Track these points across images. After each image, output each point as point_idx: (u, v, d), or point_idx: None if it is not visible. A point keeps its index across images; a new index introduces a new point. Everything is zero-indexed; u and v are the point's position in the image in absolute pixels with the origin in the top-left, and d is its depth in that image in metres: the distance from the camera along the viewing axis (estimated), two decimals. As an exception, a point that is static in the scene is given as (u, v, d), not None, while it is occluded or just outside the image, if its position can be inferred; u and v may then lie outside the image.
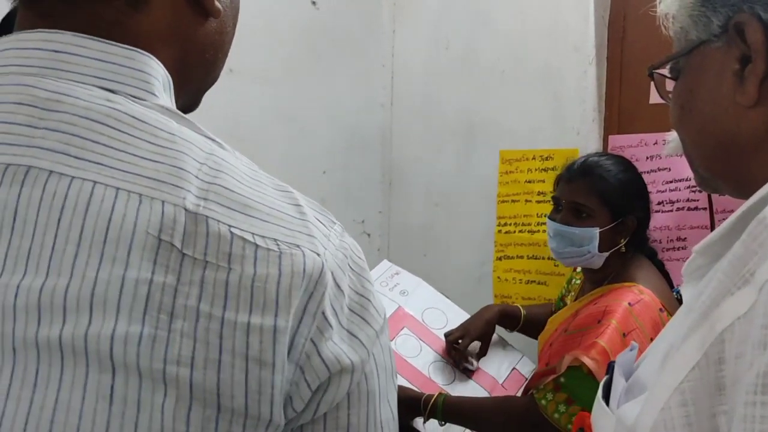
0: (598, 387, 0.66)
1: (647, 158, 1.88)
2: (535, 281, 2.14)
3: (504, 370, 1.69)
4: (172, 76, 0.54)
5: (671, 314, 1.37)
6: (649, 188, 1.58)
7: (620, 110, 2.03)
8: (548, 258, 2.08)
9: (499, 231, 2.23)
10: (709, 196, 1.77)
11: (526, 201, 2.16)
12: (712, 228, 1.78)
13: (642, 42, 1.95)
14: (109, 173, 0.45)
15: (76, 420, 0.42)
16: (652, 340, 1.28)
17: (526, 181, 2.15)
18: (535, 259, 2.14)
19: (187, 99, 0.59)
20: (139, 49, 0.51)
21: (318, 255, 0.48)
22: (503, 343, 1.77)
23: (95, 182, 0.45)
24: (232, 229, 0.46)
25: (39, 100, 0.47)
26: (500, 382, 1.66)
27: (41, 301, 0.42)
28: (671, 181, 1.85)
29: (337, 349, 0.48)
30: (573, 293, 1.67)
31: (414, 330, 1.66)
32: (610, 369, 0.65)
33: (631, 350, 0.67)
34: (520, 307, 1.78)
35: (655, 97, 1.89)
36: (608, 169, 1.49)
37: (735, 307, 0.47)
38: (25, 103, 0.47)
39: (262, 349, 0.45)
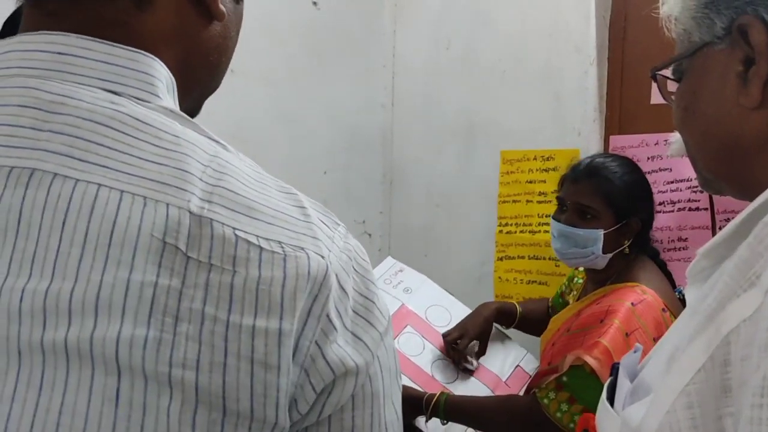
0: (600, 386, 0.66)
1: (648, 159, 1.88)
2: (536, 281, 2.14)
3: (507, 367, 1.69)
4: (175, 78, 0.54)
5: (674, 314, 1.37)
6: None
7: (621, 110, 2.03)
8: (549, 258, 2.08)
9: (500, 231, 2.23)
10: (710, 197, 1.77)
11: (527, 201, 2.16)
12: (713, 228, 1.78)
13: (643, 42, 1.95)
14: (113, 176, 0.45)
15: (82, 423, 0.42)
16: (655, 340, 1.29)
17: (527, 182, 2.15)
18: (536, 259, 2.14)
19: (190, 104, 0.59)
20: (142, 51, 0.51)
21: (322, 257, 0.48)
22: (503, 338, 1.77)
23: (100, 185, 0.45)
24: (237, 232, 0.46)
25: (43, 103, 0.47)
26: (503, 379, 1.66)
27: (47, 305, 0.42)
28: (672, 182, 1.85)
29: (342, 351, 0.48)
30: (575, 292, 1.67)
31: (417, 328, 1.66)
32: (614, 370, 0.65)
33: (635, 352, 0.67)
34: (516, 304, 1.78)
35: (656, 98, 1.89)
36: (614, 170, 1.49)
37: (741, 309, 0.47)
38: (29, 105, 0.47)
39: (268, 352, 0.45)
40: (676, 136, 0.69)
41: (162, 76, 0.52)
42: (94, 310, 0.42)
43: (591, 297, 1.51)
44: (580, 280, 1.68)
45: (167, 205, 0.45)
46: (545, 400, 1.37)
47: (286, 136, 2.23)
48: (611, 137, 2.01)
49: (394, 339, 1.57)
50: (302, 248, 0.48)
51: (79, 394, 0.42)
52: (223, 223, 0.46)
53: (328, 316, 0.48)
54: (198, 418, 0.43)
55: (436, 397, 1.47)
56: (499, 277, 2.23)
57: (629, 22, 2.00)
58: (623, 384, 0.63)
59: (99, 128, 0.47)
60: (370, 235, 2.57)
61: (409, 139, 2.54)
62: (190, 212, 0.45)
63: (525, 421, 1.42)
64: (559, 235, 1.52)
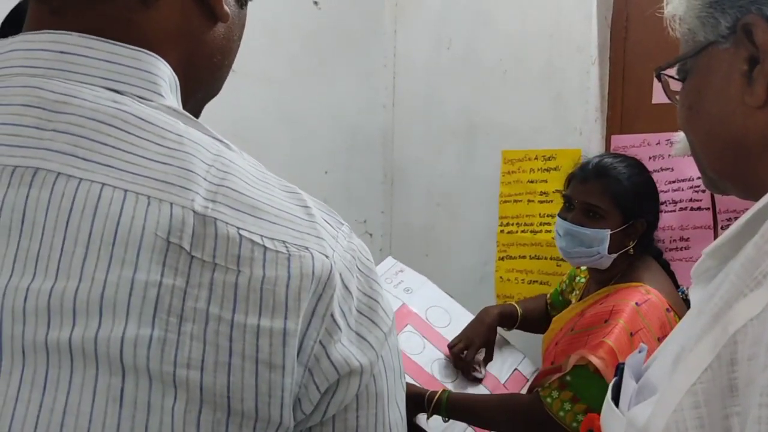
0: (604, 386, 0.66)
1: (650, 158, 1.88)
2: (537, 281, 2.14)
3: (506, 370, 1.70)
4: (179, 79, 0.54)
5: (678, 314, 1.38)
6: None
7: (623, 110, 2.03)
8: (551, 258, 2.08)
9: (502, 231, 2.23)
10: (712, 197, 1.77)
11: (529, 201, 2.16)
12: (715, 228, 1.78)
13: (645, 42, 1.95)
14: (117, 175, 0.45)
15: (86, 423, 0.42)
16: (659, 340, 1.29)
17: (528, 181, 2.15)
18: (538, 259, 2.13)
19: (193, 105, 0.59)
20: (146, 50, 0.51)
21: (326, 257, 0.48)
22: (502, 342, 1.77)
23: (103, 184, 0.45)
24: (241, 231, 0.46)
25: (46, 102, 0.47)
26: (502, 382, 1.66)
27: (51, 304, 0.42)
28: (674, 181, 1.85)
29: (346, 351, 0.48)
30: (577, 292, 1.67)
31: (418, 328, 1.66)
32: (619, 371, 0.65)
33: (639, 352, 0.67)
34: (516, 305, 1.78)
35: (657, 97, 1.89)
36: (623, 171, 1.49)
37: (748, 308, 0.47)
38: (32, 105, 0.47)
39: (272, 352, 0.45)
40: (680, 136, 0.69)
41: (165, 75, 0.52)
42: (99, 310, 0.42)
43: (594, 297, 1.51)
44: (582, 280, 1.68)
45: (171, 204, 0.45)
46: (548, 399, 1.37)
47: (287, 136, 2.23)
48: (613, 137, 2.00)
49: None
50: (306, 248, 0.47)
51: (83, 394, 0.42)
52: (227, 223, 0.46)
53: (332, 315, 0.48)
54: (202, 418, 0.43)
55: (438, 395, 1.47)
56: (501, 277, 2.23)
57: (630, 21, 2.00)
58: (628, 384, 0.63)
59: (102, 127, 0.47)
60: (371, 234, 2.57)
61: (410, 139, 2.54)
62: (194, 211, 0.45)
63: (527, 419, 1.42)
64: (565, 234, 1.51)
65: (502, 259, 2.23)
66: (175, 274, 0.43)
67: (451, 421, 1.51)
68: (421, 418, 1.51)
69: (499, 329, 1.76)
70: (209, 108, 0.64)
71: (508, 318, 1.75)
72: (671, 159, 1.84)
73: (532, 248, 2.14)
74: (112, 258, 0.43)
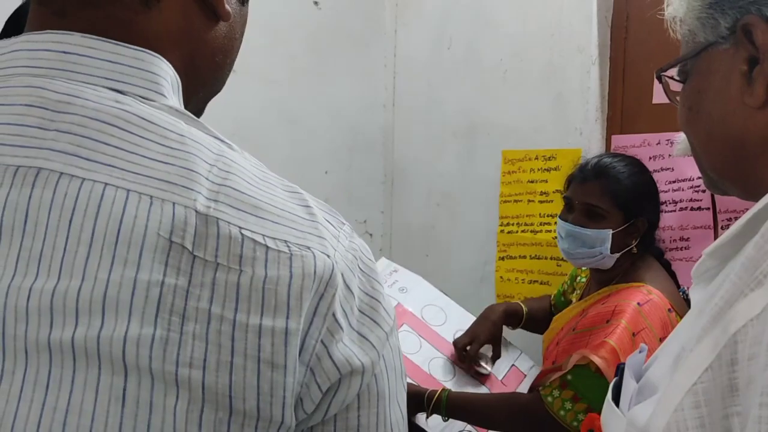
0: (605, 386, 0.66)
1: (650, 158, 1.88)
2: (537, 281, 2.14)
3: (503, 367, 1.70)
4: (180, 78, 0.54)
5: (679, 314, 1.38)
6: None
7: (623, 110, 2.03)
8: (551, 258, 2.08)
9: (502, 231, 2.23)
10: (713, 197, 1.77)
11: (529, 201, 2.16)
12: (715, 228, 1.78)
13: (645, 42, 1.95)
14: (119, 175, 0.45)
15: (89, 422, 0.42)
16: (661, 340, 1.29)
17: (528, 181, 2.15)
18: (538, 259, 2.14)
19: (195, 105, 0.59)
20: (148, 50, 0.51)
21: (328, 256, 0.48)
22: (502, 341, 1.77)
23: (106, 184, 0.45)
24: (243, 231, 0.46)
25: (49, 102, 0.47)
26: (500, 378, 1.66)
27: (53, 304, 0.42)
28: (674, 181, 1.85)
29: (348, 350, 0.48)
30: (578, 291, 1.67)
31: (414, 327, 1.66)
32: (619, 371, 0.65)
33: (640, 352, 0.67)
34: (522, 304, 1.78)
35: (658, 97, 1.89)
36: (622, 170, 1.49)
37: (748, 308, 0.47)
38: (35, 105, 0.47)
39: (274, 352, 0.45)
40: (681, 137, 0.69)
41: (167, 75, 0.52)
42: (101, 310, 0.42)
43: (595, 296, 1.51)
44: (584, 279, 1.68)
45: (173, 204, 0.45)
46: (549, 398, 1.37)
47: (287, 136, 2.23)
48: (613, 137, 2.01)
49: None
50: (308, 247, 0.48)
51: (86, 393, 0.42)
52: (229, 222, 0.46)
53: (334, 315, 0.48)
54: (204, 418, 0.43)
55: (437, 394, 1.47)
56: (501, 277, 2.23)
57: (631, 21, 2.00)
58: (629, 384, 0.63)
59: (105, 127, 0.47)
60: (371, 234, 2.57)
61: (410, 139, 2.54)
62: (197, 211, 0.45)
63: (528, 418, 1.42)
64: (567, 235, 1.51)
65: (502, 259, 2.23)
66: (178, 273, 0.44)
67: (450, 420, 1.51)
68: (421, 418, 1.51)
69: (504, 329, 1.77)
70: (209, 107, 0.65)
71: (513, 316, 1.75)
72: (671, 159, 1.84)
73: (533, 248, 2.14)
74: (114, 257, 0.43)
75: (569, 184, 1.56)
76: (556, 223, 1.59)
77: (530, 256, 2.15)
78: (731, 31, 0.59)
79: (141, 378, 0.42)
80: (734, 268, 0.52)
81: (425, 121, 2.47)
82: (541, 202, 2.13)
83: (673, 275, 1.53)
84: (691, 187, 1.82)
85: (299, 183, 0.54)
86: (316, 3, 2.29)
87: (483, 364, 1.63)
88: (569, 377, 1.35)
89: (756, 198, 0.56)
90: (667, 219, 1.82)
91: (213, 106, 0.65)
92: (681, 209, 1.83)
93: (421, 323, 1.68)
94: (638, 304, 1.36)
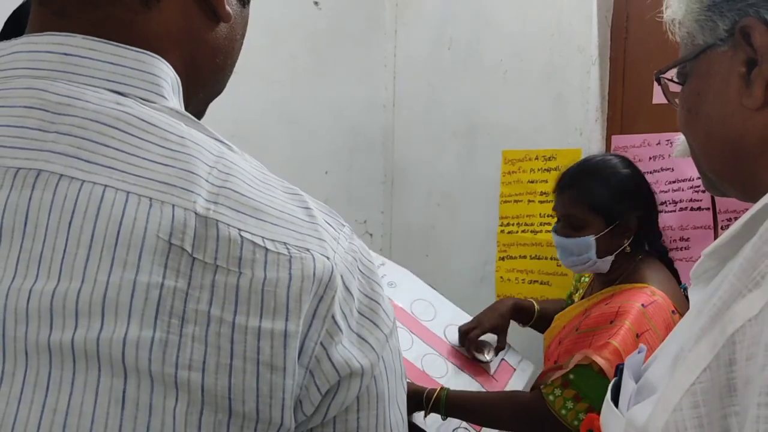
0: (607, 386, 0.67)
1: (650, 158, 1.88)
2: (537, 281, 2.14)
3: (494, 361, 1.70)
4: (181, 80, 0.54)
5: (682, 316, 1.38)
6: (652, 188, 1.58)
7: (623, 110, 2.03)
8: (551, 258, 2.08)
9: (502, 231, 2.23)
10: (713, 197, 1.77)
11: (529, 201, 2.16)
12: (715, 228, 1.78)
13: (645, 42, 1.95)
14: (119, 177, 0.45)
15: (88, 424, 0.42)
16: (664, 341, 1.29)
17: (528, 181, 2.16)
18: (538, 259, 2.14)
19: (196, 106, 0.59)
20: (148, 52, 0.51)
21: (328, 258, 0.48)
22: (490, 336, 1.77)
23: (106, 186, 0.45)
24: (243, 233, 0.46)
25: (49, 104, 0.47)
26: (491, 373, 1.66)
27: (53, 306, 0.43)
28: (674, 181, 1.85)
29: (347, 353, 0.48)
30: (581, 291, 1.68)
31: (404, 322, 1.64)
32: (618, 371, 0.65)
33: (639, 353, 0.68)
34: (534, 302, 1.78)
35: (657, 98, 1.89)
36: (595, 175, 1.50)
37: (746, 309, 0.48)
38: (35, 107, 0.47)
39: (273, 354, 0.45)
40: (680, 138, 0.69)
41: (167, 77, 0.52)
42: (101, 311, 0.43)
43: (598, 296, 1.51)
44: (587, 279, 1.68)
45: (173, 206, 0.45)
46: (551, 397, 1.37)
47: (288, 137, 2.23)
48: (613, 137, 2.01)
49: None
50: (308, 249, 0.48)
51: (86, 395, 0.42)
52: (228, 225, 0.46)
53: (333, 317, 0.48)
54: (204, 420, 0.43)
55: (436, 393, 1.46)
56: (501, 277, 2.23)
57: (631, 21, 2.00)
58: (628, 384, 0.63)
59: (105, 129, 0.47)
60: (371, 234, 2.57)
61: (410, 139, 2.55)
62: (196, 213, 0.45)
63: (529, 416, 1.42)
64: (558, 247, 1.55)
65: (502, 259, 2.23)
66: (177, 275, 0.44)
67: (448, 418, 1.51)
68: (418, 417, 1.50)
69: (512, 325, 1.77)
70: (210, 108, 0.65)
71: (523, 312, 1.75)
72: (671, 159, 1.84)
73: (533, 248, 2.15)
74: (114, 260, 0.43)
75: (554, 197, 1.58)
76: (555, 224, 1.60)
77: (530, 256, 2.16)
78: (730, 34, 0.59)
79: (140, 380, 0.42)
80: (732, 269, 0.52)
81: (425, 121, 2.48)
82: (541, 202, 2.13)
83: (675, 273, 1.53)
84: (691, 188, 1.82)
85: (299, 183, 0.54)
86: (316, 3, 2.30)
87: (484, 351, 1.63)
88: (571, 376, 1.35)
89: (754, 199, 0.56)
90: (667, 219, 1.82)
91: (213, 106, 0.65)
92: (681, 209, 1.83)
93: (412, 319, 1.67)
94: (642, 305, 1.36)
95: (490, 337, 1.68)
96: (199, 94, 0.59)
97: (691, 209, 1.82)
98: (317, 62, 2.31)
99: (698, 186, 1.79)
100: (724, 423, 0.48)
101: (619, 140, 1.98)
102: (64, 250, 0.44)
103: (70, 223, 0.44)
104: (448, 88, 2.39)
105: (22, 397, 0.42)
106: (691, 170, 1.78)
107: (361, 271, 0.51)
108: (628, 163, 1.55)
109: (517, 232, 2.19)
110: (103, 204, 0.44)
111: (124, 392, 0.42)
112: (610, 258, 1.48)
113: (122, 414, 0.42)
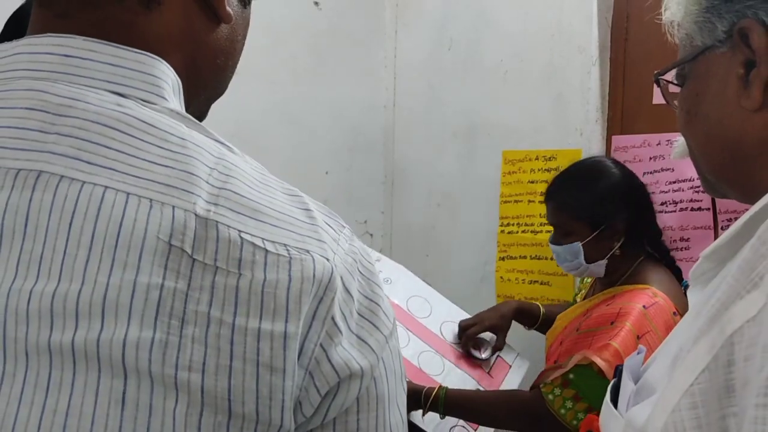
0: (607, 387, 0.67)
1: (650, 159, 1.88)
2: (537, 281, 2.14)
3: (491, 359, 1.70)
4: (182, 81, 0.54)
5: (683, 317, 1.38)
6: (652, 189, 1.58)
7: (623, 111, 2.03)
8: (551, 258, 2.07)
9: (502, 231, 2.23)
10: (713, 197, 1.77)
11: (529, 201, 2.16)
12: (715, 229, 1.78)
13: (645, 42, 1.95)
14: (120, 178, 0.46)
15: (89, 425, 0.42)
16: (666, 343, 1.29)
17: (529, 182, 2.16)
18: (538, 259, 2.14)
19: (197, 107, 0.60)
20: (149, 53, 0.51)
21: (327, 260, 0.48)
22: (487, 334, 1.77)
23: (106, 187, 0.45)
24: (243, 235, 0.46)
25: (50, 105, 0.47)
26: (486, 370, 1.67)
27: (54, 307, 0.43)
28: (674, 182, 1.85)
29: (347, 354, 0.48)
30: (583, 291, 1.68)
31: (401, 320, 1.63)
32: (617, 372, 0.65)
33: (638, 353, 0.68)
34: (540, 306, 1.78)
35: (658, 98, 1.89)
36: (574, 183, 1.52)
37: (744, 310, 0.48)
38: (36, 108, 0.47)
39: (273, 355, 0.45)
40: (680, 139, 0.69)
41: (168, 78, 0.52)
42: (101, 312, 0.43)
43: (600, 296, 1.51)
44: (589, 279, 1.69)
45: (173, 207, 0.45)
46: (550, 396, 1.37)
47: (288, 137, 2.24)
48: (613, 137, 2.01)
49: None
50: (307, 251, 0.48)
51: (86, 396, 0.42)
52: (228, 226, 0.46)
53: (333, 318, 0.48)
54: (204, 421, 0.44)
55: (435, 391, 1.46)
56: (501, 277, 2.23)
57: (631, 22, 2.00)
58: (627, 385, 0.63)
59: (106, 131, 0.47)
60: (371, 235, 2.57)
61: (410, 140, 2.55)
62: (196, 215, 0.45)
63: (528, 415, 1.42)
64: (553, 254, 1.58)
65: (502, 259, 2.23)
66: (177, 277, 0.44)
67: (446, 416, 1.51)
68: (416, 415, 1.50)
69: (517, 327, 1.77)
70: (210, 108, 0.65)
71: (526, 315, 1.75)
72: (672, 159, 1.84)
73: (533, 248, 2.15)
74: (114, 261, 0.43)
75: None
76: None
77: (530, 256, 2.16)
78: (728, 35, 0.59)
79: (140, 381, 0.42)
80: (731, 271, 0.52)
81: (426, 121, 2.48)
82: (541, 202, 2.11)
83: (678, 272, 1.53)
84: (692, 188, 1.82)
85: (300, 183, 0.54)
86: (316, 4, 2.30)
87: (481, 349, 1.64)
88: (571, 376, 1.35)
89: (753, 200, 0.56)
90: (667, 219, 1.82)
91: (214, 106, 0.65)
92: (681, 210, 1.83)
93: (408, 316, 1.66)
94: (644, 306, 1.36)
95: (489, 336, 1.69)
96: (200, 95, 0.59)
97: (692, 209, 1.82)
98: (318, 63, 2.31)
99: (698, 186, 1.78)
100: (723, 424, 0.48)
101: (620, 140, 1.98)
102: (65, 251, 0.44)
103: (70, 224, 0.44)
104: (448, 89, 2.39)
105: (23, 398, 0.42)
106: (691, 170, 1.78)
107: (361, 272, 0.51)
108: (613, 164, 1.55)
109: (518, 232, 2.19)
110: (103, 205, 0.44)
111: (124, 393, 0.42)
112: (603, 262, 1.49)
113: (122, 415, 0.42)
